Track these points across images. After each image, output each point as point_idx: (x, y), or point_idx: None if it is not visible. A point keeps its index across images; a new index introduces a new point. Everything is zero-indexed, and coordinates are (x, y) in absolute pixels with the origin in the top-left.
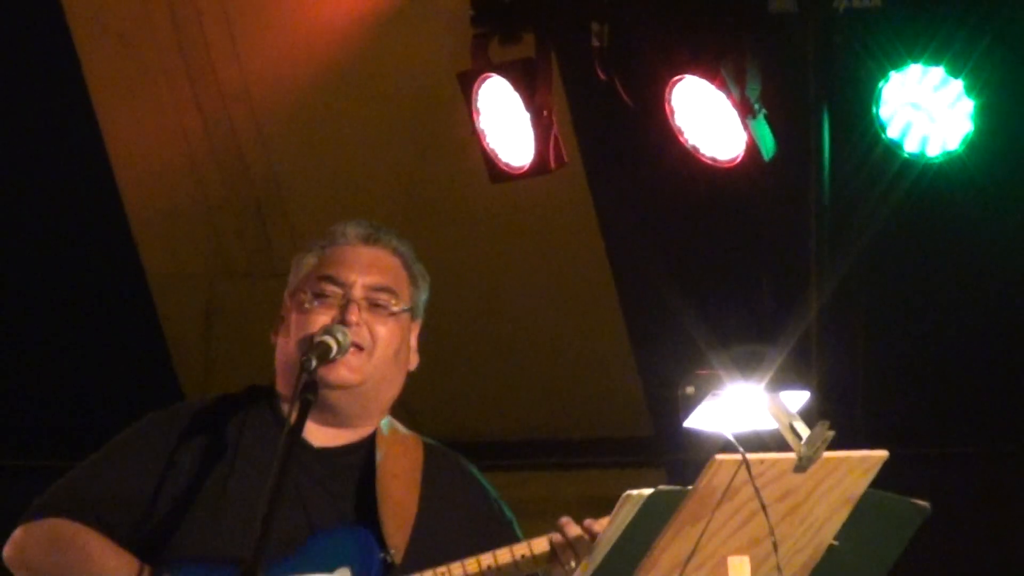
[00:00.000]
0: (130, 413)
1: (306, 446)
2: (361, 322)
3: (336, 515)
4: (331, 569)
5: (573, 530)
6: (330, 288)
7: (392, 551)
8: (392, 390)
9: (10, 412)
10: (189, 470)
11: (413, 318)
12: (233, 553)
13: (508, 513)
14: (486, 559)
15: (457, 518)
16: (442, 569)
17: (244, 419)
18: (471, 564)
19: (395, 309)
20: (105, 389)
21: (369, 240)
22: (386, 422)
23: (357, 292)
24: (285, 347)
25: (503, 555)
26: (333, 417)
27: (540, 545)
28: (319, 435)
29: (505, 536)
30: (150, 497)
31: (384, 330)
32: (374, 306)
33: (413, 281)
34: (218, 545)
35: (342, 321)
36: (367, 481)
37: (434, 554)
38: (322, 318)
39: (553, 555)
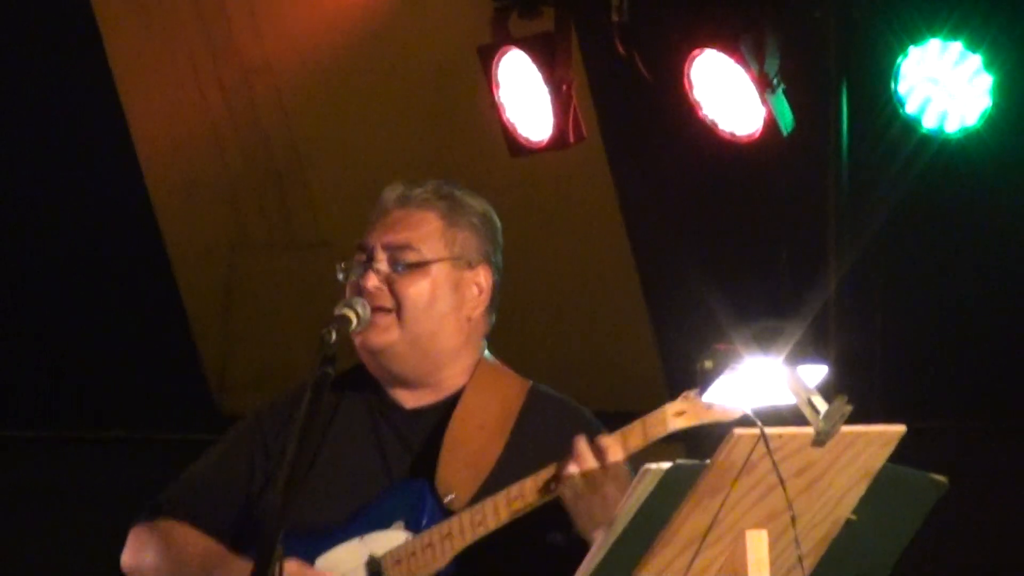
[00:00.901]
0: (150, 385)
1: (398, 408)
2: (381, 285)
3: (411, 473)
4: (387, 524)
5: (581, 444)
6: (359, 257)
7: (450, 496)
8: (443, 341)
9: (31, 383)
10: (286, 455)
11: (461, 267)
12: (329, 521)
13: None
14: (514, 491)
15: (552, 460)
16: (477, 507)
17: (340, 395)
18: (501, 499)
19: (415, 262)
20: (126, 361)
21: (400, 201)
22: (487, 371)
23: (377, 255)
24: None
25: (529, 487)
26: (402, 380)
27: (530, 487)
28: (408, 397)
29: None
30: (255, 490)
31: (410, 288)
32: (396, 265)
33: (453, 229)
34: (314, 516)
35: (360, 291)
36: (441, 432)
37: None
38: (350, 288)
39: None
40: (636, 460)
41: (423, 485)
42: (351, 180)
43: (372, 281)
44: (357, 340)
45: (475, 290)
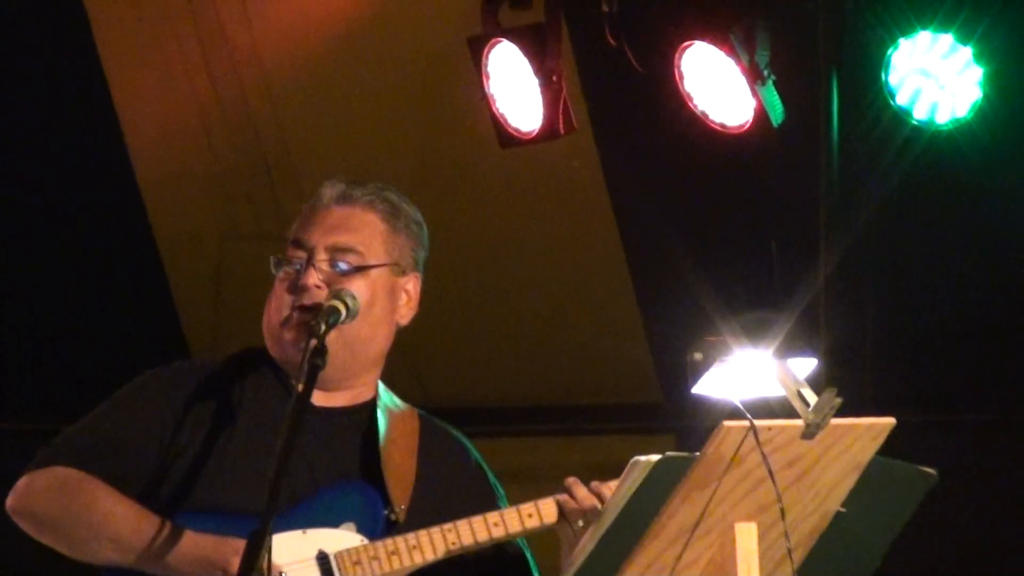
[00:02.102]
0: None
1: (308, 405)
2: (321, 284)
3: (339, 473)
4: (336, 524)
5: (580, 491)
6: (295, 253)
7: (401, 508)
8: (374, 347)
9: (20, 374)
10: (195, 426)
11: (397, 273)
12: (243, 506)
13: (495, 484)
14: (492, 518)
15: (453, 487)
16: (449, 526)
17: (246, 378)
18: (478, 523)
19: (357, 268)
20: (115, 351)
21: (342, 199)
22: (384, 392)
23: (319, 255)
24: (265, 311)
25: (511, 516)
26: (322, 379)
27: (547, 507)
28: (318, 396)
29: (488, 501)
30: (156, 451)
31: (351, 289)
32: (335, 267)
33: (394, 235)
34: (228, 498)
35: (297, 286)
36: (370, 442)
37: (434, 519)
38: (284, 283)
39: (560, 515)
40: (623, 454)
41: (374, 493)
42: (340, 170)
43: (312, 279)
44: (288, 336)
45: (405, 297)
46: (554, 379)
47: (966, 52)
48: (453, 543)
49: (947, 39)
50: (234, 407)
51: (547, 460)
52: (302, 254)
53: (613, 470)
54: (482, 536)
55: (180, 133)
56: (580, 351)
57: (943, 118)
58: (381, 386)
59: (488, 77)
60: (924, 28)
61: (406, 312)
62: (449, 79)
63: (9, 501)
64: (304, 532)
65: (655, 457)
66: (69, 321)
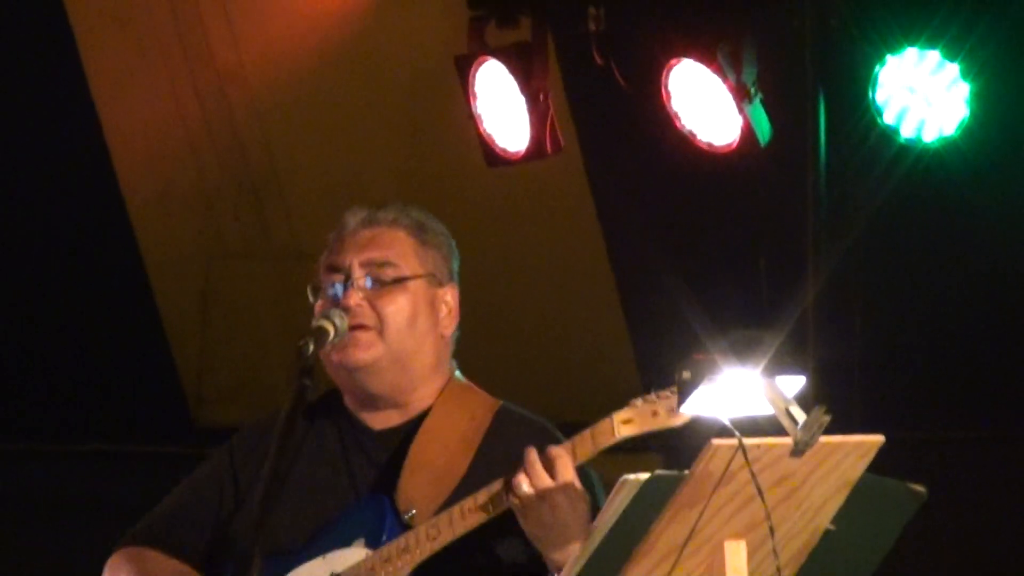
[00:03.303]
0: (127, 395)
1: (367, 430)
2: (363, 303)
3: (366, 489)
4: (348, 543)
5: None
6: (332, 277)
7: (411, 512)
8: (422, 359)
9: (6, 395)
10: (255, 476)
11: (434, 284)
12: (287, 545)
13: (594, 481)
14: (442, 519)
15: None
16: (412, 530)
17: (319, 419)
18: (432, 525)
19: (394, 278)
20: (102, 371)
21: (367, 222)
22: (460, 383)
23: (355, 273)
24: None
25: (455, 512)
26: (374, 399)
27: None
28: (377, 419)
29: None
30: (214, 510)
31: (390, 304)
32: (376, 282)
33: (424, 247)
34: (279, 539)
35: (343, 308)
36: (405, 450)
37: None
38: (325, 307)
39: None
40: (612, 472)
41: (383, 501)
42: (327, 189)
43: (354, 298)
44: (335, 358)
45: (445, 308)
46: (541, 396)
47: (953, 69)
48: (434, 538)
49: (934, 56)
50: (297, 451)
51: None
52: (339, 277)
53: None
54: (458, 527)
55: (167, 152)
56: (567, 369)
57: (930, 136)
58: (457, 381)
59: (475, 96)
60: (911, 45)
61: (449, 323)
62: (436, 98)
63: None
64: (324, 557)
65: (644, 476)
66: (55, 341)
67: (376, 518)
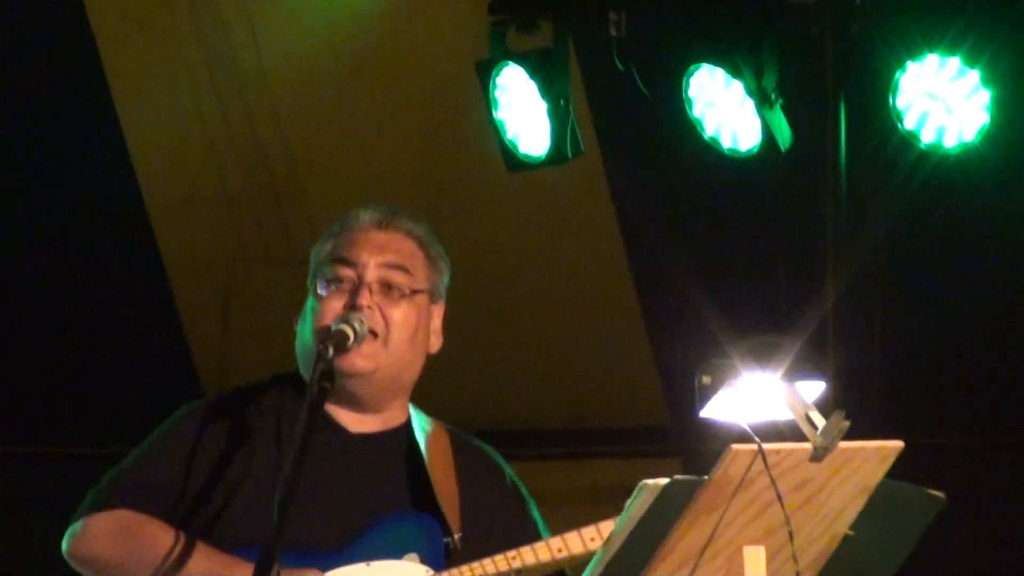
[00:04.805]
0: (148, 399)
1: (343, 432)
2: (373, 306)
3: (393, 502)
4: (399, 555)
5: None
6: (343, 271)
7: (457, 536)
8: (411, 373)
9: (29, 398)
10: (234, 459)
11: (432, 300)
12: (298, 538)
13: (527, 498)
14: (556, 543)
15: (495, 508)
16: (513, 553)
17: (280, 407)
18: (541, 548)
19: (408, 291)
20: (123, 375)
21: (382, 224)
22: (416, 414)
23: (370, 273)
24: (302, 335)
25: (572, 539)
26: (356, 404)
27: (574, 541)
28: (353, 421)
29: (524, 516)
30: (197, 486)
31: (398, 314)
32: (387, 288)
33: (431, 262)
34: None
35: (353, 306)
36: (415, 468)
37: (483, 539)
38: (335, 304)
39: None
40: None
41: (432, 521)
42: (347, 193)
43: (366, 299)
44: (337, 359)
45: (436, 326)
46: (561, 402)
47: (974, 75)
48: (519, 569)
49: (955, 62)
50: (271, 438)
51: (554, 483)
52: (350, 271)
53: (620, 493)
54: (545, 558)
55: (188, 157)
56: (587, 374)
57: (950, 142)
58: (412, 408)
59: (496, 101)
60: (932, 51)
61: (435, 341)
62: (457, 103)
63: (69, 546)
64: (368, 564)
65: (663, 481)
66: (77, 346)
67: (428, 536)
